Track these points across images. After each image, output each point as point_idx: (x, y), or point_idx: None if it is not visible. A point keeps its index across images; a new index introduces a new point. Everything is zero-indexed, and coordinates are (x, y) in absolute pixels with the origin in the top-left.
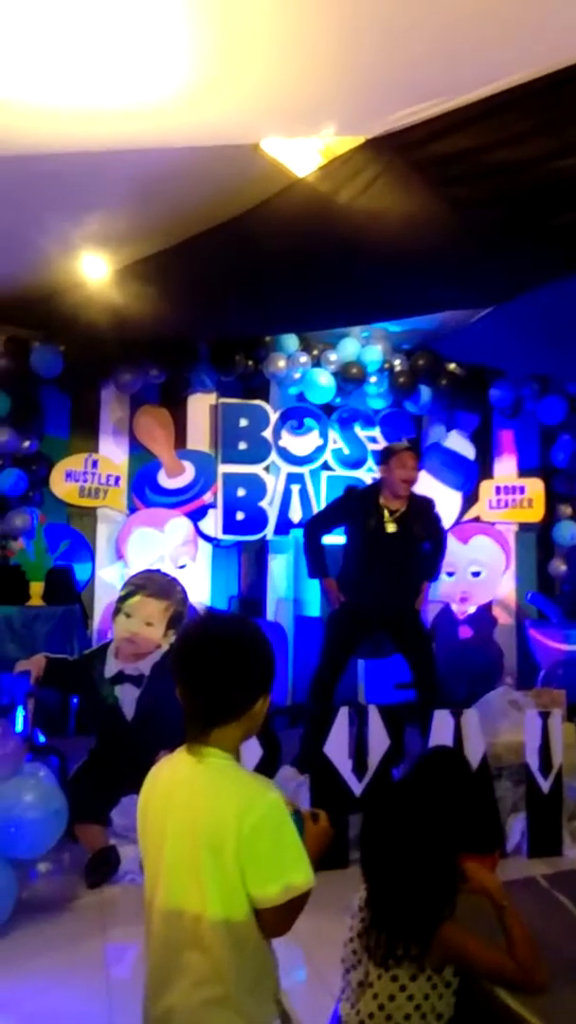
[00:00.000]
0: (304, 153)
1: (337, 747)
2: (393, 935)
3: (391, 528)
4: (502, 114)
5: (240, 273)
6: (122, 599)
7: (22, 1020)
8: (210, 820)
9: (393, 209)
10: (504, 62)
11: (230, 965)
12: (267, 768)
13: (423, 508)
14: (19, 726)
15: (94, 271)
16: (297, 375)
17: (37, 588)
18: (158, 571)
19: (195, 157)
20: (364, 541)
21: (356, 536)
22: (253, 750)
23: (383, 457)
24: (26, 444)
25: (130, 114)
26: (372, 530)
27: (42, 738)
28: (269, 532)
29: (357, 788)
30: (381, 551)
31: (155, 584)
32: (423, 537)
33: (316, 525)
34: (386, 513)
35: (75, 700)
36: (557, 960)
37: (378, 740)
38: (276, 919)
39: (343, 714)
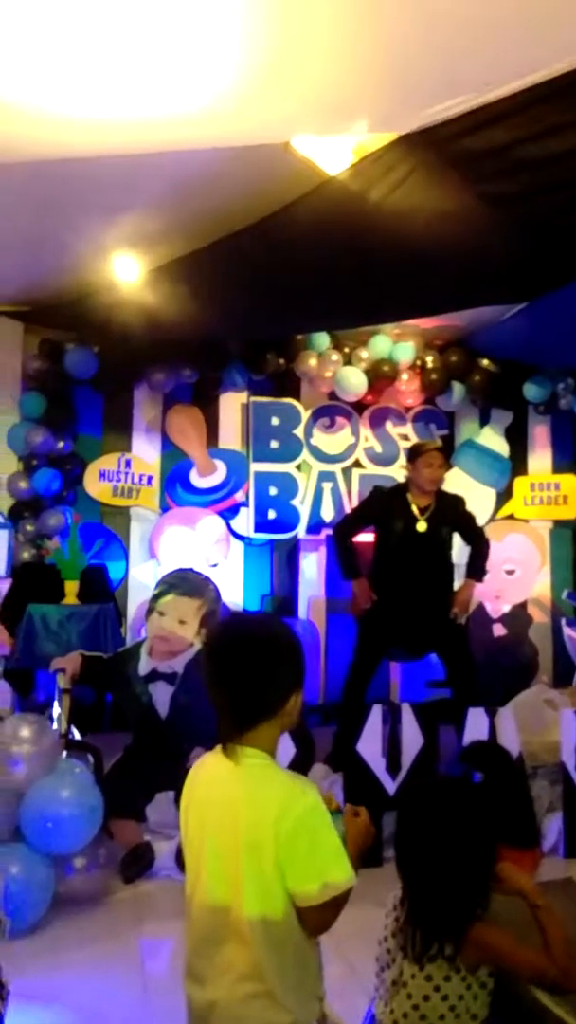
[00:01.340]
0: (336, 151)
1: (371, 745)
2: (428, 933)
3: (422, 527)
4: (535, 108)
5: (272, 272)
6: (155, 598)
7: (59, 1013)
8: (249, 821)
9: (426, 206)
10: (537, 57)
11: (270, 962)
12: (300, 766)
13: (453, 505)
14: (55, 723)
15: (127, 273)
16: (328, 373)
17: (72, 587)
18: (191, 570)
19: (227, 158)
20: (395, 540)
21: (386, 536)
22: (286, 748)
23: (411, 455)
24: (60, 444)
25: (166, 120)
26: (402, 529)
27: (78, 735)
28: (301, 530)
29: (391, 787)
30: (412, 550)
31: (188, 583)
32: (452, 534)
33: (345, 527)
34: (415, 511)
35: (110, 697)
36: None
37: (412, 738)
38: (317, 917)
39: (376, 712)
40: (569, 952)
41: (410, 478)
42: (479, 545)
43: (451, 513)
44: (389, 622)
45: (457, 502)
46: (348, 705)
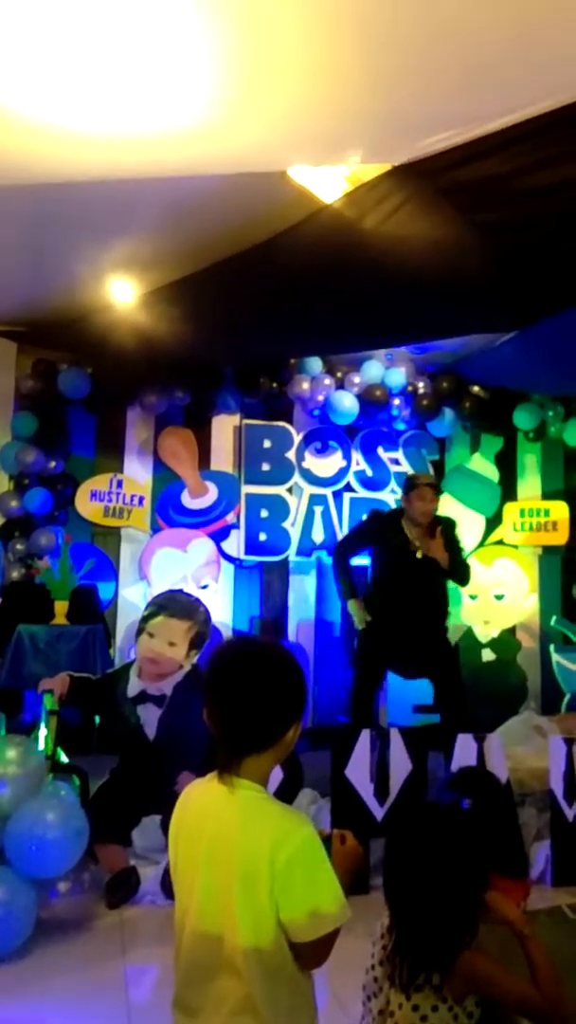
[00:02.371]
0: (330, 180)
1: (359, 770)
2: (415, 962)
3: (420, 554)
4: (528, 141)
5: (265, 298)
6: (145, 619)
7: None
8: (244, 854)
9: (419, 235)
10: (530, 91)
11: (264, 994)
12: (288, 791)
13: (446, 529)
14: (42, 744)
15: (122, 295)
16: (320, 397)
17: (61, 607)
18: (181, 591)
19: (223, 184)
20: (393, 564)
21: (384, 559)
22: (274, 773)
23: (405, 487)
24: (52, 464)
25: (159, 142)
26: (399, 554)
27: (65, 757)
28: (292, 553)
29: (379, 812)
30: (410, 575)
31: (178, 604)
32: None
33: (344, 549)
34: (411, 537)
35: (98, 719)
36: None
37: (400, 764)
38: (310, 952)
39: (365, 737)
40: (556, 982)
41: (404, 508)
42: (457, 554)
43: (445, 537)
44: (384, 643)
45: (450, 526)
46: (357, 721)
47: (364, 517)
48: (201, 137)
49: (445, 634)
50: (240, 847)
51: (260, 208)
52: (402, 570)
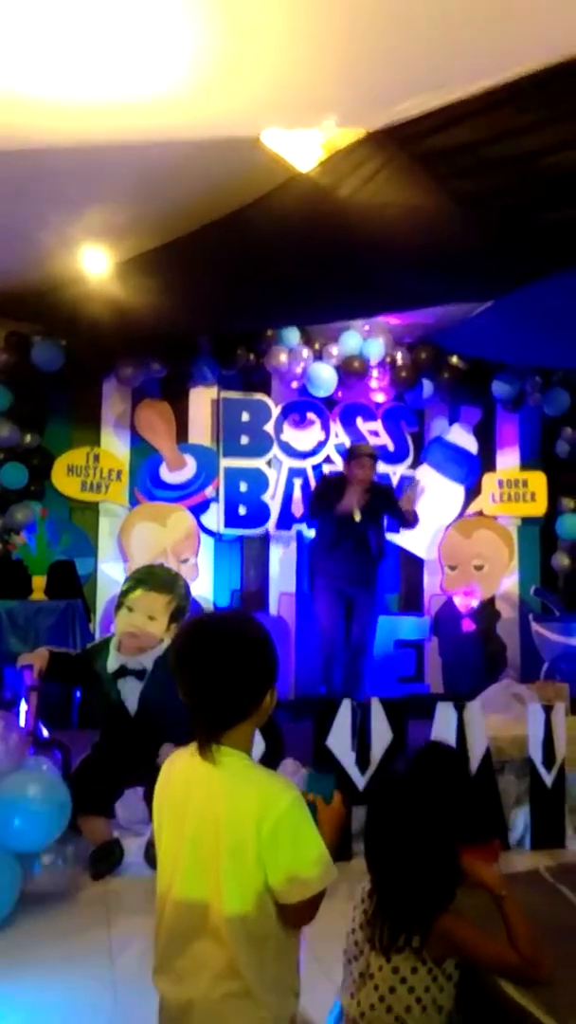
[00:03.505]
0: (305, 147)
1: (340, 740)
2: (395, 925)
3: (357, 517)
4: (505, 106)
5: (241, 267)
6: (124, 593)
7: (27, 1013)
8: (230, 822)
9: (395, 203)
10: (506, 54)
11: (247, 959)
12: (269, 761)
13: (383, 495)
14: (22, 720)
15: (95, 265)
16: (299, 369)
17: (39, 582)
18: (160, 565)
19: (196, 151)
20: (335, 525)
21: (327, 523)
22: (256, 744)
23: (347, 456)
24: (28, 439)
25: (131, 108)
26: (341, 516)
27: (46, 732)
28: (271, 526)
29: (360, 781)
30: (348, 538)
31: (157, 578)
32: (383, 521)
33: (312, 514)
34: (351, 502)
35: (78, 694)
36: (561, 951)
37: (381, 733)
38: (297, 913)
39: (345, 707)
40: (533, 943)
41: (345, 473)
42: (406, 523)
43: (382, 503)
44: (334, 594)
45: (386, 492)
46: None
47: (313, 485)
48: (174, 103)
49: (376, 588)
50: (226, 815)
51: (234, 176)
52: (343, 530)
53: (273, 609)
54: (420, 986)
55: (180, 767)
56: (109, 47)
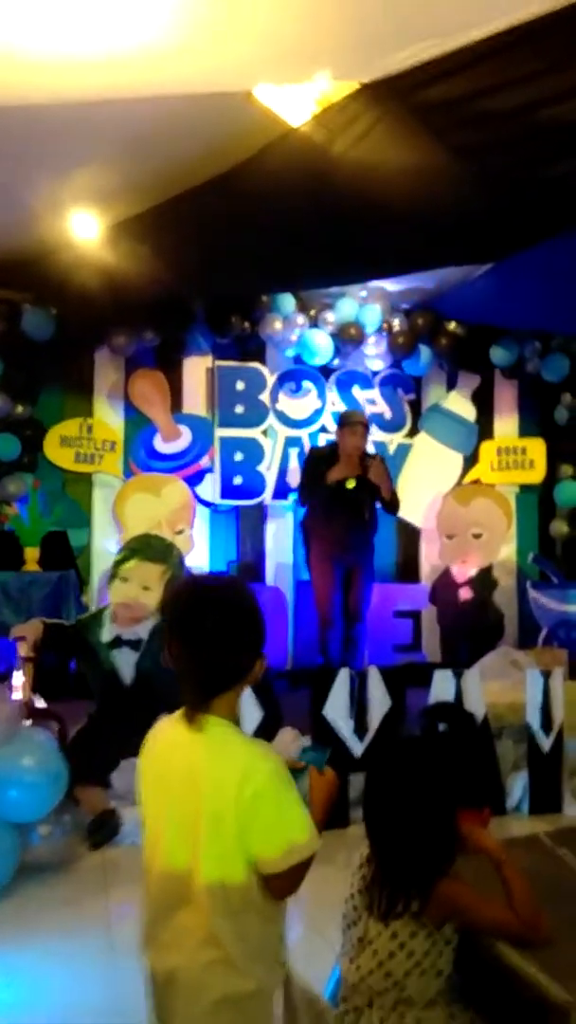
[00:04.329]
0: (299, 102)
1: (337, 708)
2: (394, 890)
3: (351, 484)
4: (501, 56)
5: (233, 229)
6: (118, 563)
7: (26, 981)
8: (211, 788)
9: (391, 159)
10: (502, 2)
11: (227, 929)
12: (267, 730)
13: (378, 461)
14: (18, 691)
15: (84, 230)
16: (294, 336)
17: (32, 554)
18: (154, 535)
19: (186, 107)
20: (327, 494)
21: (320, 492)
22: (252, 713)
23: (339, 423)
24: (19, 409)
25: (119, 62)
26: (334, 486)
27: (41, 702)
28: (267, 496)
29: (358, 749)
30: (342, 505)
31: (151, 548)
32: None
33: (306, 493)
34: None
35: (74, 664)
36: (561, 915)
37: (379, 701)
38: (281, 883)
39: (343, 675)
40: (532, 906)
41: (338, 442)
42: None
43: (377, 470)
44: (326, 566)
45: (381, 460)
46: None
47: (305, 456)
48: (163, 56)
49: (370, 556)
50: (208, 782)
51: (226, 133)
52: (335, 499)
53: (270, 580)
54: (419, 951)
55: (164, 735)
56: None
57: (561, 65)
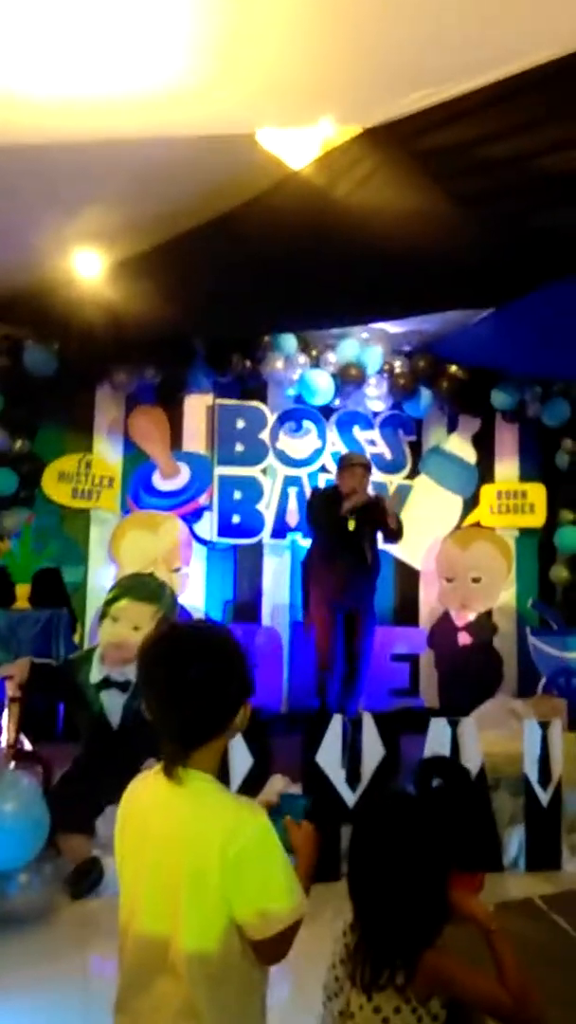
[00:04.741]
0: (302, 147)
1: (330, 756)
2: (378, 961)
3: (351, 526)
4: (501, 104)
5: (235, 268)
6: (109, 602)
7: None
8: (194, 847)
9: (392, 204)
10: (504, 49)
11: (206, 1000)
12: (256, 777)
13: (376, 504)
14: (3, 732)
15: (87, 268)
16: (295, 376)
17: (23, 591)
18: (147, 573)
19: (190, 149)
20: (328, 537)
21: (322, 533)
22: (243, 758)
23: (339, 464)
24: (18, 444)
25: (124, 105)
26: (334, 527)
27: (28, 745)
28: (265, 536)
29: (350, 798)
30: (342, 546)
31: (143, 587)
32: (376, 532)
33: (314, 525)
34: (345, 511)
35: (62, 706)
36: (555, 985)
37: (372, 749)
38: (268, 949)
39: (336, 722)
40: (523, 979)
41: (337, 484)
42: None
43: (375, 512)
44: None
45: (378, 501)
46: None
47: (308, 498)
48: (168, 99)
49: (372, 598)
50: (190, 840)
51: (229, 176)
52: (336, 541)
53: (266, 620)
54: None
55: (142, 789)
56: (102, 44)
57: (561, 114)
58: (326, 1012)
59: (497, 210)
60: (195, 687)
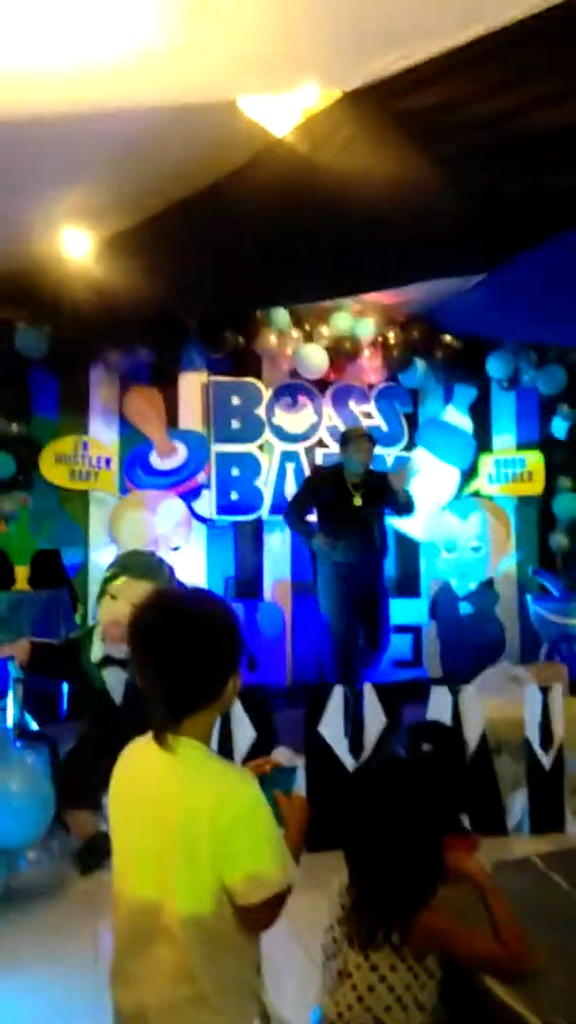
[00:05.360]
0: (284, 113)
1: (333, 727)
2: (374, 920)
3: (357, 502)
4: (483, 62)
5: (221, 244)
6: (107, 580)
7: (12, 1007)
8: (184, 815)
9: (377, 168)
10: (483, 6)
11: (202, 962)
12: (260, 750)
13: (382, 480)
14: (8, 713)
15: (75, 246)
16: (289, 351)
17: (22, 572)
18: (145, 551)
19: (171, 120)
20: (335, 514)
21: (327, 511)
22: (245, 732)
23: (342, 440)
24: (14, 428)
25: (99, 73)
26: (341, 504)
27: (33, 725)
28: (264, 511)
29: (353, 768)
30: (349, 523)
31: (141, 565)
32: (383, 508)
33: (295, 509)
34: (351, 488)
35: (66, 686)
36: (551, 941)
37: (375, 719)
38: (255, 916)
39: (338, 693)
40: (518, 937)
41: (344, 459)
42: (402, 509)
43: (381, 488)
44: (343, 591)
45: (384, 478)
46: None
47: (306, 475)
48: (144, 66)
49: (382, 577)
50: (181, 808)
51: (213, 146)
52: (343, 519)
53: (268, 595)
54: (400, 984)
55: (136, 759)
56: (72, 10)
57: (544, 70)
58: (325, 972)
59: (482, 171)
60: (182, 654)
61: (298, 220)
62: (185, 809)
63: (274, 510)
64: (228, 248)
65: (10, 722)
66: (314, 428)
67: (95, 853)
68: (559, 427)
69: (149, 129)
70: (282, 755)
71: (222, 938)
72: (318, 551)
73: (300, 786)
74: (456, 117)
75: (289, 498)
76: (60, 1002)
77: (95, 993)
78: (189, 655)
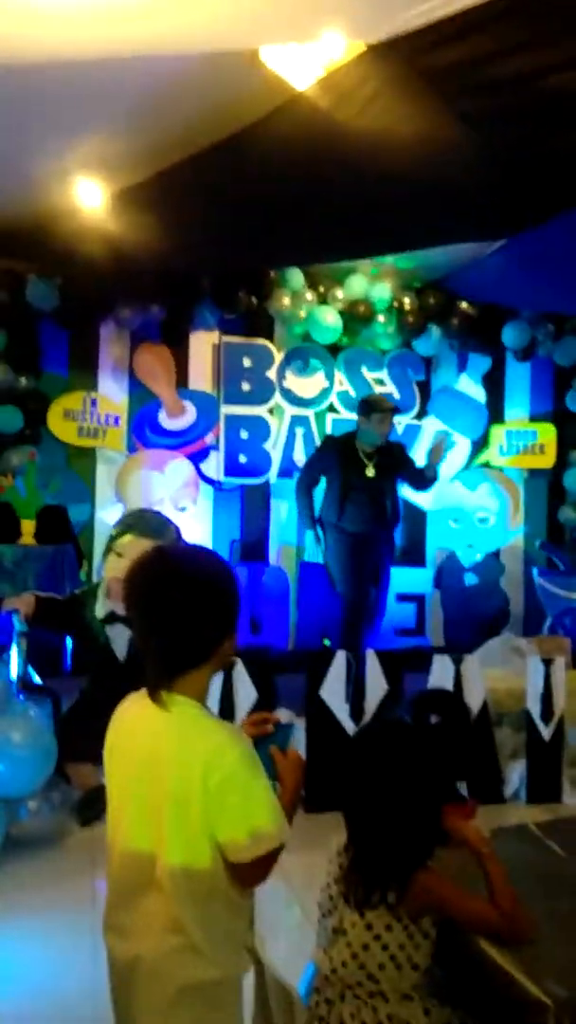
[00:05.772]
0: (306, 66)
1: (334, 691)
2: (370, 880)
3: (370, 472)
4: (510, 19)
5: (240, 198)
6: (113, 538)
7: (12, 954)
8: (176, 772)
9: (399, 126)
10: None
11: (191, 915)
12: (261, 711)
13: (397, 451)
14: (12, 665)
15: (89, 198)
16: (302, 313)
17: (28, 527)
18: (151, 510)
19: (191, 70)
20: (347, 483)
21: (339, 479)
22: (247, 694)
23: (365, 409)
24: (23, 381)
25: (119, 17)
26: (354, 474)
27: (37, 678)
28: (272, 475)
29: (353, 731)
30: (361, 493)
31: (147, 523)
32: (397, 478)
33: (306, 479)
34: (364, 458)
35: (69, 641)
36: (545, 907)
37: (376, 685)
38: (247, 873)
39: (340, 658)
40: (513, 901)
41: (360, 429)
42: (423, 482)
43: (395, 459)
44: (354, 559)
45: (399, 448)
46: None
47: (318, 444)
48: (165, 11)
49: (392, 548)
50: (174, 764)
51: (232, 97)
52: (355, 488)
53: (273, 560)
54: (394, 944)
55: (132, 713)
56: None
57: (570, 31)
58: (320, 928)
59: (508, 132)
60: (177, 611)
61: (317, 177)
62: (178, 765)
63: (282, 474)
64: (244, 204)
65: (14, 675)
66: (325, 393)
67: (94, 805)
68: (574, 400)
69: (166, 78)
70: (283, 715)
71: (214, 892)
72: (325, 520)
73: (301, 748)
74: (481, 75)
75: (298, 464)
76: (59, 949)
77: (93, 941)
78: (184, 613)
